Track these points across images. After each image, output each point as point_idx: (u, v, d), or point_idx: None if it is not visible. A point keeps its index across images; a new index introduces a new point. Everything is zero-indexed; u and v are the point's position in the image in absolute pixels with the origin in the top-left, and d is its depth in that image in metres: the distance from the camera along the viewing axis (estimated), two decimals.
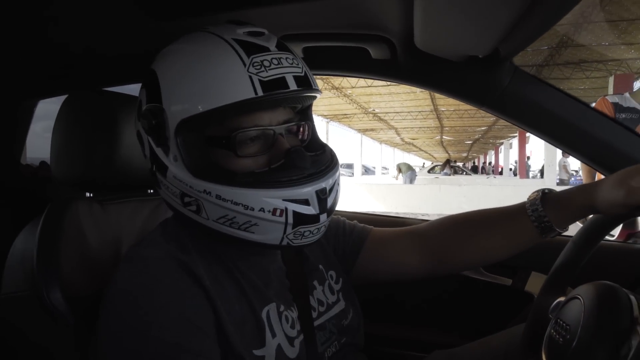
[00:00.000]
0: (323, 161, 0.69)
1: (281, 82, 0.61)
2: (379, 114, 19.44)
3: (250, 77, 0.59)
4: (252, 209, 0.61)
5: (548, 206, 0.75)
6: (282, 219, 0.62)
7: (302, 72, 0.64)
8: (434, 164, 27.11)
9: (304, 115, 0.73)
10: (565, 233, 0.80)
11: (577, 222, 0.81)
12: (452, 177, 18.55)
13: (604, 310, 0.64)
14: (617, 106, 2.45)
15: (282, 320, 0.69)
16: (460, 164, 27.85)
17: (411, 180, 14.41)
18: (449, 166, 21.10)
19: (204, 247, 0.68)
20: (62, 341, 0.75)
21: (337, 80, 13.24)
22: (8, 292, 0.80)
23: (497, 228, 0.81)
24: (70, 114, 0.90)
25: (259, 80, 0.60)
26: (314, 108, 0.76)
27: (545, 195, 0.77)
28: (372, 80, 12.94)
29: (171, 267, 0.62)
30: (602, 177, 0.79)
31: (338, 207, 0.75)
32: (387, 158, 35.78)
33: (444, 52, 0.94)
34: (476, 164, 39.91)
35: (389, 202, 10.93)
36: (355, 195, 11.24)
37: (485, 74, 0.96)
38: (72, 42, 1.02)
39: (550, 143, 1.00)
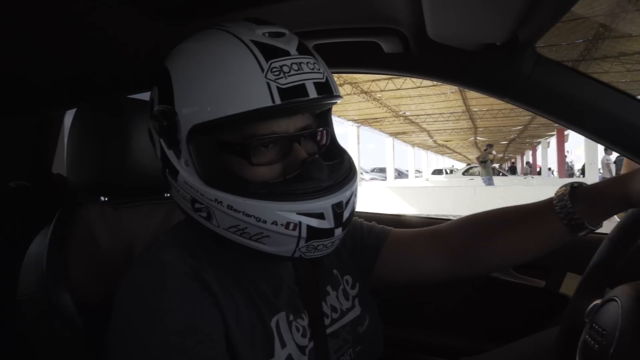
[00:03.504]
0: (341, 172, 0.66)
1: (300, 90, 0.58)
2: (409, 117, 19.24)
3: (268, 83, 0.56)
4: (265, 222, 0.58)
5: (578, 201, 0.69)
6: (296, 232, 0.59)
7: (323, 78, 0.61)
8: (470, 165, 26.40)
9: (323, 119, 0.70)
10: (602, 229, 0.73)
11: (615, 217, 0.74)
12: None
13: None
14: None
15: (292, 330, 0.67)
16: (496, 165, 26.94)
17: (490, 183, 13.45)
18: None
19: (214, 253, 0.66)
20: (73, 345, 0.75)
21: (366, 85, 13.19)
22: (23, 294, 0.82)
23: (522, 227, 0.76)
24: (83, 121, 0.92)
25: (277, 87, 0.56)
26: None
27: (574, 190, 0.71)
28: (401, 83, 13.00)
29: (181, 271, 0.61)
30: None
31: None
32: (420, 161, 35.37)
33: (458, 42, 0.89)
34: (514, 164, 38.88)
35: (422, 205, 10.74)
36: (387, 199, 11.12)
37: (505, 62, 0.90)
38: (93, 53, 1.04)
39: (580, 133, 0.93)
